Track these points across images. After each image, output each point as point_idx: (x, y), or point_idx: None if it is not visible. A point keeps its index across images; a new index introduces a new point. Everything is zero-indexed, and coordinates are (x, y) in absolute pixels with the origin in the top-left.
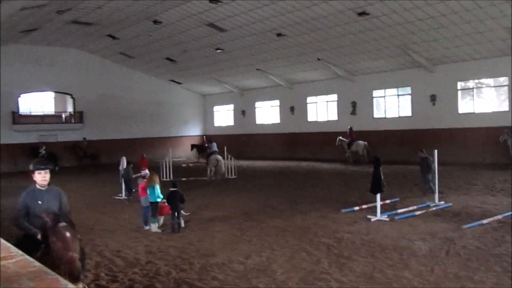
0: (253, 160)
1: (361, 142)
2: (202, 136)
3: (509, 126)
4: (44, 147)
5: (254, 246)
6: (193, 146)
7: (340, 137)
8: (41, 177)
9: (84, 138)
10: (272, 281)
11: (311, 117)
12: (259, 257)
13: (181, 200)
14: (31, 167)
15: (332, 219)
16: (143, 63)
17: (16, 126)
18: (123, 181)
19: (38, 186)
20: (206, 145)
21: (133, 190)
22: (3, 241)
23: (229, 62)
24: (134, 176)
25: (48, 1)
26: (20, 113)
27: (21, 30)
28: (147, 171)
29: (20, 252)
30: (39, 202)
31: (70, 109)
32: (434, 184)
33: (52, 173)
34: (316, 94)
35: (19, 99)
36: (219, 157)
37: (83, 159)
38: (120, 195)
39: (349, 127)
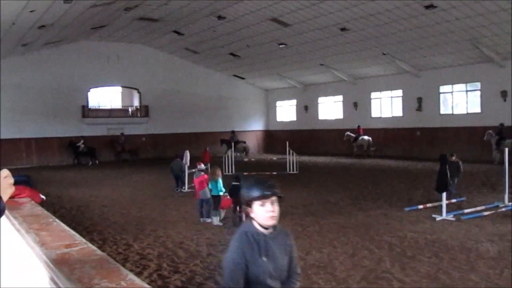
0: (315, 156)
1: (365, 137)
2: (263, 130)
3: None
4: (82, 141)
5: (314, 242)
6: (222, 141)
7: (348, 132)
8: (267, 211)
9: (122, 133)
10: (332, 278)
11: (374, 113)
12: (320, 253)
13: None
14: (246, 194)
15: (394, 217)
16: (207, 58)
17: (86, 120)
18: (173, 175)
19: (259, 228)
20: (230, 136)
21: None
22: (68, 228)
23: (292, 57)
24: (189, 171)
25: None
26: (89, 107)
27: (91, 27)
28: (203, 165)
29: (84, 240)
30: (264, 258)
31: (136, 103)
32: (455, 189)
33: (92, 166)
34: (380, 90)
35: (89, 93)
36: (245, 144)
37: (121, 154)
38: (183, 187)
39: (357, 125)
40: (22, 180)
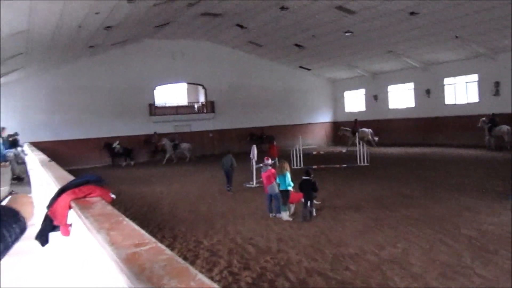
0: (386, 146)
1: (365, 129)
2: (332, 122)
3: None
4: (117, 142)
5: (388, 236)
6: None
7: (343, 127)
8: None
9: (155, 132)
10: (408, 274)
11: (448, 100)
12: (394, 248)
13: (314, 189)
14: None
15: (472, 209)
16: (271, 50)
17: (153, 118)
18: (224, 171)
19: None
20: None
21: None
22: (137, 227)
23: (359, 45)
24: (256, 165)
25: None
26: (156, 105)
27: (155, 25)
28: (270, 160)
29: (153, 239)
30: None
31: (202, 99)
32: None
33: (128, 166)
34: (454, 75)
35: (155, 91)
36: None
37: (155, 153)
38: (251, 183)
39: (354, 119)
40: (93, 179)
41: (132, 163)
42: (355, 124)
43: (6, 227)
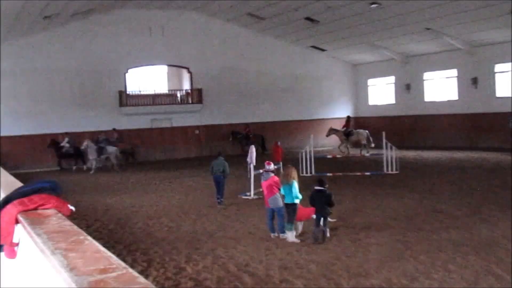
0: (421, 149)
1: (361, 130)
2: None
3: None
4: (67, 139)
5: (421, 265)
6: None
7: (332, 127)
8: None
9: (114, 129)
10: None
11: (501, 92)
12: (429, 280)
13: (329, 203)
14: None
15: None
16: (277, 25)
17: (124, 109)
18: (214, 178)
19: None
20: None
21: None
22: (103, 249)
23: (388, 20)
24: (255, 172)
25: None
26: (128, 92)
27: None
28: (272, 165)
29: (123, 264)
30: None
31: (186, 86)
32: None
33: (79, 170)
34: (509, 60)
35: (127, 75)
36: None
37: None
38: (248, 193)
39: (347, 116)
40: (46, 187)
41: (85, 167)
42: (347, 122)
43: None
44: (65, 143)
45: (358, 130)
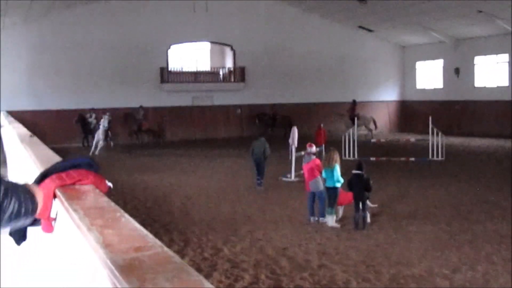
0: (469, 137)
1: (367, 115)
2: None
3: None
4: (94, 115)
5: (465, 255)
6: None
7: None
8: None
9: (141, 106)
10: None
11: None
12: (472, 271)
13: (366, 187)
14: None
15: None
16: (323, 4)
17: (165, 86)
18: (253, 160)
19: None
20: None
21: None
22: (139, 226)
23: (439, 1)
24: (297, 154)
25: None
26: (169, 69)
27: None
28: (314, 148)
29: (159, 242)
30: None
31: (229, 64)
32: None
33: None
34: None
35: (169, 52)
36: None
37: (138, 134)
38: (288, 176)
39: (353, 100)
40: (84, 162)
41: (112, 144)
42: (354, 107)
43: (9, 196)
44: (92, 119)
45: (364, 114)
